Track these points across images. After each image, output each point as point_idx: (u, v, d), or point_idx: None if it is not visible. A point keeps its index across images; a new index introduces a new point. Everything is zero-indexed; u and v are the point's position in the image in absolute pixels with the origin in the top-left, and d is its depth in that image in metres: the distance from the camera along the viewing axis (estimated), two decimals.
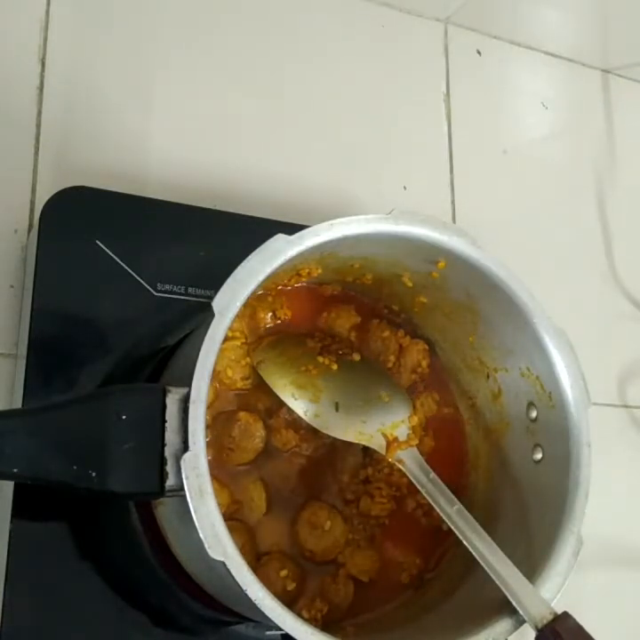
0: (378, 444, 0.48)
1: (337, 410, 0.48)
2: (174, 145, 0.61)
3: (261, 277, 0.40)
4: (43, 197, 0.51)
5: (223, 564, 0.35)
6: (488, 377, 0.50)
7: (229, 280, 0.39)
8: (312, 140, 0.66)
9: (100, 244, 0.51)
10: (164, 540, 0.46)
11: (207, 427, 0.37)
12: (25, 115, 0.56)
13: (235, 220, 0.56)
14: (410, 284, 0.49)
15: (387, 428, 0.48)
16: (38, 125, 0.57)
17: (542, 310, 0.45)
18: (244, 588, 0.36)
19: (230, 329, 0.40)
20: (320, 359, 0.49)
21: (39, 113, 0.57)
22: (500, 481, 0.50)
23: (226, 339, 0.39)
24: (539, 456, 0.47)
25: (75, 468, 0.38)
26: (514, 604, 0.41)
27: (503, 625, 0.41)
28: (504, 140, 0.75)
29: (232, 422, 0.47)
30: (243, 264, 0.40)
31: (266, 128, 0.65)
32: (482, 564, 0.43)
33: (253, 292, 0.40)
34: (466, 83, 0.74)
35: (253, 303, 0.50)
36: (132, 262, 0.52)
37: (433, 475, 0.47)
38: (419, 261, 0.47)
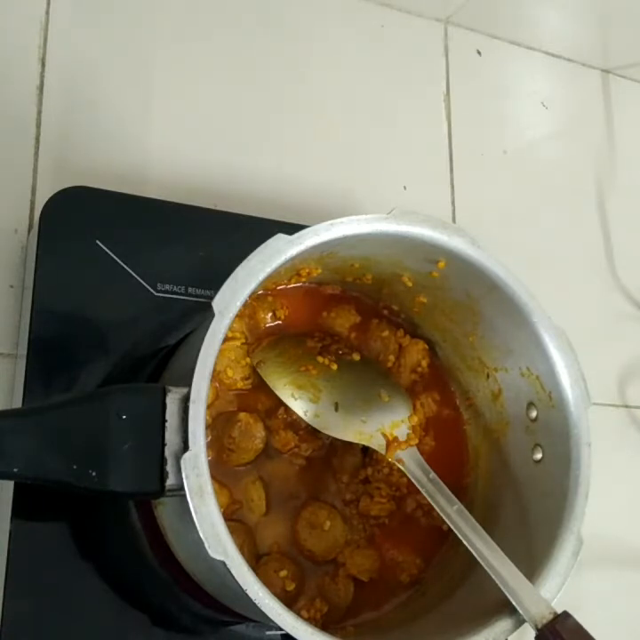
0: (377, 443, 0.48)
1: (337, 410, 0.48)
2: (174, 145, 0.61)
3: (261, 277, 0.40)
4: (43, 197, 0.51)
5: (223, 563, 0.35)
6: (488, 377, 0.50)
7: (229, 280, 0.39)
8: (312, 139, 0.66)
9: (100, 244, 0.51)
10: (164, 540, 0.46)
11: (207, 427, 0.37)
12: (25, 115, 0.56)
13: (235, 220, 0.56)
14: (410, 284, 0.49)
15: (386, 428, 0.48)
16: (38, 125, 0.57)
17: (542, 310, 0.45)
18: (244, 588, 0.36)
19: (230, 329, 0.40)
20: (320, 359, 0.49)
21: (39, 113, 0.57)
22: (500, 481, 0.50)
23: (226, 339, 0.39)
24: (539, 456, 0.47)
25: (75, 467, 0.38)
26: (514, 603, 0.41)
27: (503, 625, 0.41)
28: (504, 140, 0.75)
29: (232, 423, 0.47)
30: (243, 264, 0.40)
31: (266, 128, 0.65)
32: (482, 563, 0.43)
33: (253, 292, 0.40)
34: (466, 83, 0.74)
35: (253, 303, 0.50)
36: (132, 262, 0.52)
37: (433, 474, 0.47)
38: (419, 261, 0.47)
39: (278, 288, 0.51)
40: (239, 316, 0.41)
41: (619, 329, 0.75)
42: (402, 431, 0.49)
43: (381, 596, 0.49)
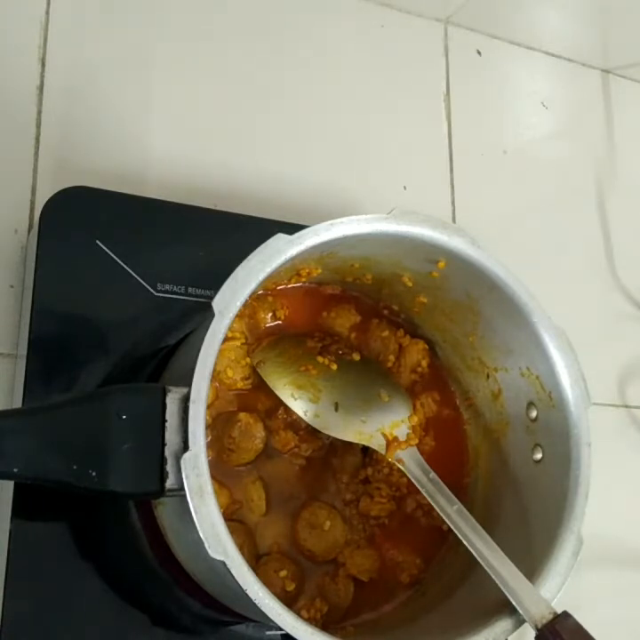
0: (377, 443, 0.48)
1: (336, 410, 0.48)
2: (174, 145, 0.61)
3: (261, 277, 0.40)
4: (43, 197, 0.51)
5: (223, 563, 0.35)
6: (488, 377, 0.50)
7: (229, 280, 0.39)
8: (312, 139, 0.66)
9: (100, 244, 0.51)
10: (164, 540, 0.46)
11: (207, 427, 0.37)
12: (25, 115, 0.56)
13: (235, 220, 0.56)
14: (410, 284, 0.49)
15: (386, 428, 0.48)
16: (38, 125, 0.57)
17: (542, 310, 0.45)
18: (244, 588, 0.36)
19: (230, 329, 0.40)
20: (320, 359, 0.49)
21: (39, 113, 0.57)
22: (500, 481, 0.50)
23: (226, 339, 0.39)
24: (539, 456, 0.47)
25: (75, 467, 0.38)
26: (514, 603, 0.41)
27: (503, 625, 0.41)
28: (504, 140, 0.75)
29: (232, 423, 0.47)
30: (243, 264, 0.40)
31: (266, 128, 0.65)
32: (482, 563, 0.43)
33: (253, 292, 0.40)
34: (466, 83, 0.74)
35: (253, 303, 0.50)
36: (132, 262, 0.52)
37: (433, 474, 0.47)
38: (419, 261, 0.47)
39: (278, 288, 0.51)
40: (239, 315, 0.41)
41: (619, 329, 0.75)
42: (402, 431, 0.49)
43: (381, 596, 0.49)
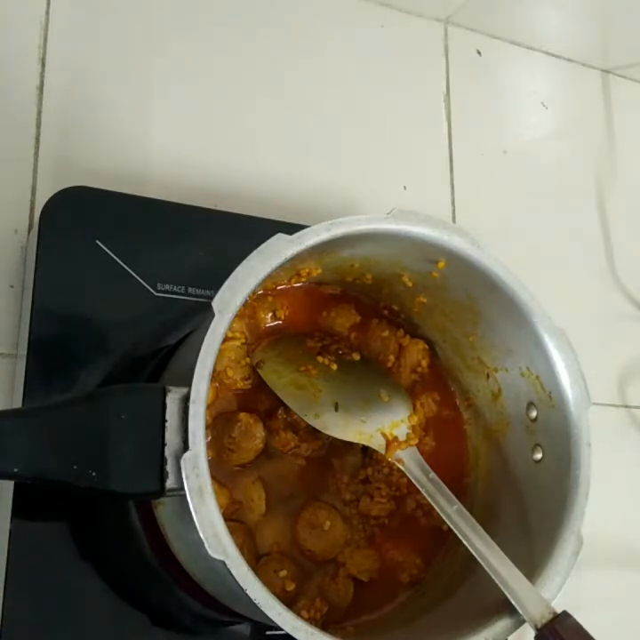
0: (377, 443, 0.48)
1: (336, 410, 0.48)
2: (174, 145, 0.61)
3: (261, 277, 0.40)
4: (43, 197, 0.51)
5: (223, 563, 0.35)
6: (488, 377, 0.50)
7: (229, 280, 0.39)
8: (312, 139, 0.66)
9: (100, 244, 0.51)
10: (164, 540, 0.46)
11: (207, 427, 0.37)
12: (25, 115, 0.56)
13: (235, 220, 0.56)
14: (410, 284, 0.49)
15: (386, 428, 0.48)
16: (38, 125, 0.57)
17: (542, 310, 0.45)
18: (244, 588, 0.36)
19: (230, 329, 0.40)
20: (320, 359, 0.49)
21: (39, 113, 0.57)
22: (500, 481, 0.50)
23: (226, 339, 0.39)
24: (539, 456, 0.47)
25: (75, 467, 0.38)
26: (513, 603, 0.41)
27: (503, 625, 0.41)
28: (504, 140, 0.75)
29: (232, 423, 0.47)
30: (243, 264, 0.40)
31: (266, 128, 0.65)
32: (482, 563, 0.43)
33: (253, 292, 0.40)
34: (466, 83, 0.74)
35: (253, 303, 0.50)
36: (132, 262, 0.52)
37: (433, 474, 0.47)
38: (419, 261, 0.47)
39: (278, 288, 0.51)
40: (239, 315, 0.41)
41: (619, 329, 0.75)
42: (402, 431, 0.49)
43: (381, 596, 0.49)
